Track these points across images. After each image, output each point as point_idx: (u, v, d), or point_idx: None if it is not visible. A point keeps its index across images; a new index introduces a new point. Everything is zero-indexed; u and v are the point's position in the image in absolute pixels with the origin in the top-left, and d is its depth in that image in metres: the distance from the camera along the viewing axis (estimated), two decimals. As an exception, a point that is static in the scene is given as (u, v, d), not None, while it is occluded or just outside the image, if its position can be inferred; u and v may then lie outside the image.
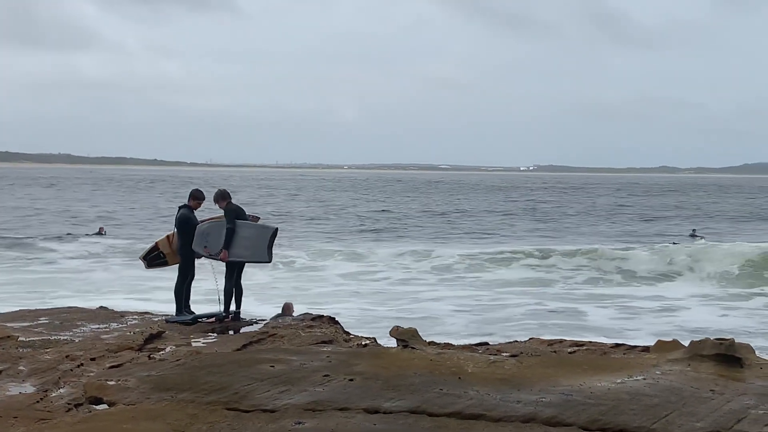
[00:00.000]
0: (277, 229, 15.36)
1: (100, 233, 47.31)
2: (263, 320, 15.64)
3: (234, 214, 14.87)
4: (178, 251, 15.28)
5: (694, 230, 57.72)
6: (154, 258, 16.13)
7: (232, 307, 15.21)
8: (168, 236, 16.03)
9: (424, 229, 62.95)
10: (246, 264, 15.58)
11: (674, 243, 52.87)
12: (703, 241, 51.52)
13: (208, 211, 16.30)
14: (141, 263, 16.71)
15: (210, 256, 14.97)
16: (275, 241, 15.18)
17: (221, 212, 15.23)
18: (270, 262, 15.67)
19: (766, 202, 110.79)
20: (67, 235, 47.38)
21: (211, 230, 14.87)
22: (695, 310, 28.27)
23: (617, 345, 13.80)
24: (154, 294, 26.67)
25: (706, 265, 37.58)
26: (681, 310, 28.42)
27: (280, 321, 15.44)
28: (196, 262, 15.36)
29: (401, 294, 31.40)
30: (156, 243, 16.34)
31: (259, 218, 16.49)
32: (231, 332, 14.37)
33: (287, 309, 19.09)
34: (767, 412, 9.35)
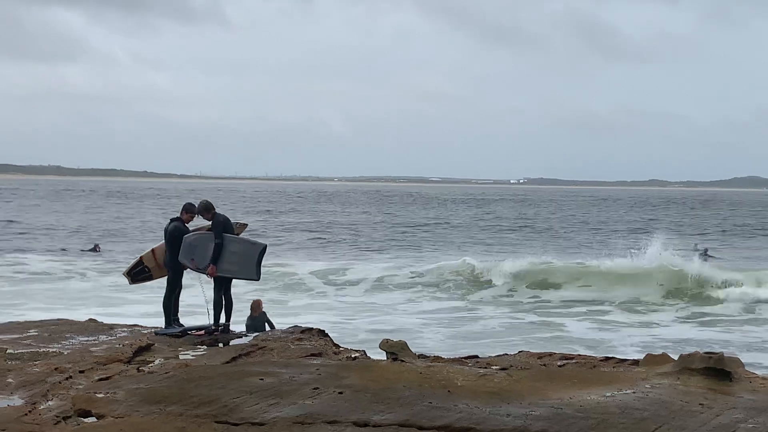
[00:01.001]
0: (266, 246, 15.21)
1: (95, 250, 46.82)
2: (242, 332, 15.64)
3: (222, 227, 14.74)
4: (166, 264, 15.20)
5: (706, 249, 54.74)
6: (138, 273, 15.95)
7: (222, 320, 15.16)
8: (153, 250, 15.95)
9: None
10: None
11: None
12: (713, 259, 50.45)
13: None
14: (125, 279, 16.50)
15: (197, 270, 14.88)
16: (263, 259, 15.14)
17: (206, 223, 15.17)
18: (258, 279, 15.53)
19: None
20: (62, 251, 47.08)
21: (199, 243, 14.72)
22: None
23: (607, 358, 13.82)
24: (131, 308, 26.72)
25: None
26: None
27: (269, 334, 15.43)
28: (185, 273, 15.29)
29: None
30: (140, 257, 16.18)
31: (247, 225, 16.47)
32: (220, 345, 14.34)
33: (257, 306, 18.93)
34: (756, 426, 9.37)
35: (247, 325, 18.21)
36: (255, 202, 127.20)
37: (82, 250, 47.10)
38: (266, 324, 18.16)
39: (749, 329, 27.83)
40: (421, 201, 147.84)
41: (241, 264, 14.79)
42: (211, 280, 14.98)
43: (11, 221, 72.78)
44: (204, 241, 14.76)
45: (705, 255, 51.71)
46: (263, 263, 15.25)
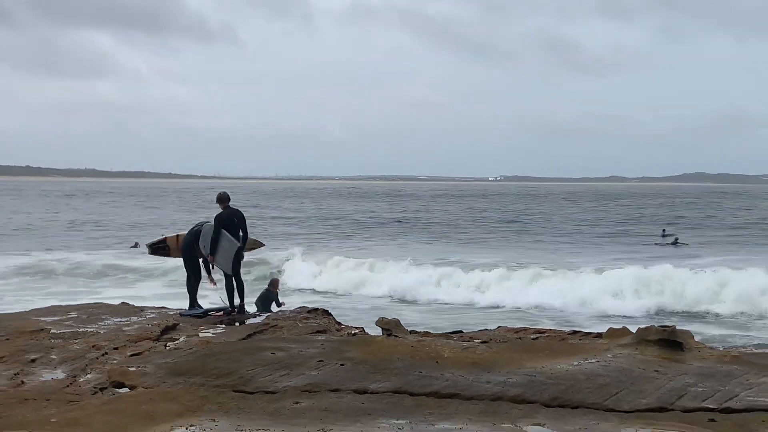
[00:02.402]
0: (241, 247, 14.91)
1: (135, 246, 46.02)
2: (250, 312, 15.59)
3: (220, 223, 14.60)
4: (181, 248, 15.17)
5: (676, 238, 53.13)
6: (159, 248, 16.13)
7: (237, 302, 15.09)
8: (177, 235, 15.95)
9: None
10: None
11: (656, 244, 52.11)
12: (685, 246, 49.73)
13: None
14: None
15: (203, 256, 14.89)
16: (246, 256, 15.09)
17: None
18: (231, 273, 15.15)
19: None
20: (107, 247, 46.60)
21: (207, 233, 14.73)
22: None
23: (574, 332, 13.84)
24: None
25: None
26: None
27: (279, 314, 15.40)
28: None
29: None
30: (165, 237, 16.35)
31: (264, 245, 16.33)
32: (237, 324, 14.31)
33: (274, 284, 18.98)
34: (705, 390, 9.39)
35: (259, 297, 18.24)
36: (263, 199, 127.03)
37: (128, 247, 46.56)
38: (275, 302, 18.22)
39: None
40: (401, 196, 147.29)
41: (224, 259, 14.70)
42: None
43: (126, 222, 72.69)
44: (210, 232, 14.73)
45: (675, 242, 51.21)
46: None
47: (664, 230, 60.58)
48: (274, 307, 17.82)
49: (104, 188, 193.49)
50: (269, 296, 18.39)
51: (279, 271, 33.70)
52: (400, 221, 76.42)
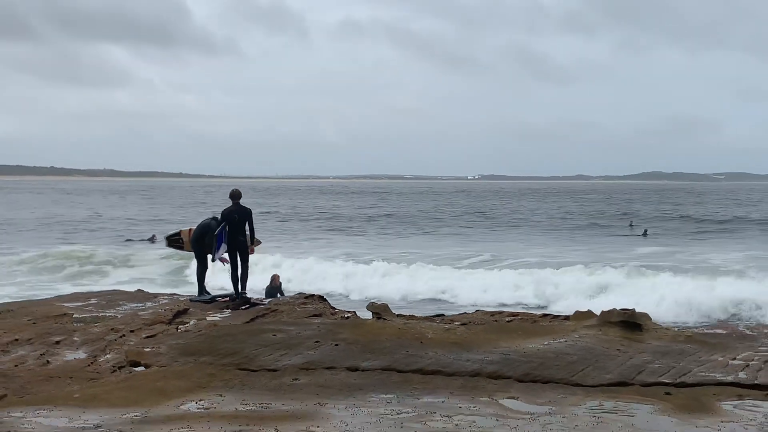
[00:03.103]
0: (168, 236, 15.78)
1: (152, 240, 45.34)
2: (261, 298, 15.53)
3: (222, 218, 14.46)
4: (191, 241, 15.12)
5: (645, 230, 51.95)
6: (174, 241, 16.14)
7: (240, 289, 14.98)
8: (190, 229, 15.89)
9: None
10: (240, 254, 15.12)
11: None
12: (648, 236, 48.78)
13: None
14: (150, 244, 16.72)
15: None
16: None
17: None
18: (213, 261, 14.82)
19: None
20: (127, 241, 46.04)
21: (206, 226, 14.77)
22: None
23: (544, 315, 13.85)
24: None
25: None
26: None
27: (280, 299, 15.38)
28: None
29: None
30: (180, 231, 16.32)
31: (261, 242, 16.15)
32: (241, 308, 14.28)
33: (275, 279, 19.15)
34: (661, 366, 9.45)
35: (265, 292, 18.42)
36: (270, 197, 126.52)
37: (142, 240, 45.98)
38: (279, 293, 18.43)
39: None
40: (385, 194, 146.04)
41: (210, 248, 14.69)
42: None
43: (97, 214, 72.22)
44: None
45: (645, 234, 50.47)
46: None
47: (631, 221, 60.17)
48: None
49: (121, 186, 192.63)
50: (273, 291, 18.62)
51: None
52: (370, 217, 72.01)
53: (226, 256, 14.63)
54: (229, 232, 14.41)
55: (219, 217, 14.69)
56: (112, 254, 36.01)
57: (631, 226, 57.07)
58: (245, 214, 14.57)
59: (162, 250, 28.52)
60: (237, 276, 14.75)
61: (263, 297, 16.96)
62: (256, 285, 17.99)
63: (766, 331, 12.03)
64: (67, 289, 22.95)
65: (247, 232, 14.65)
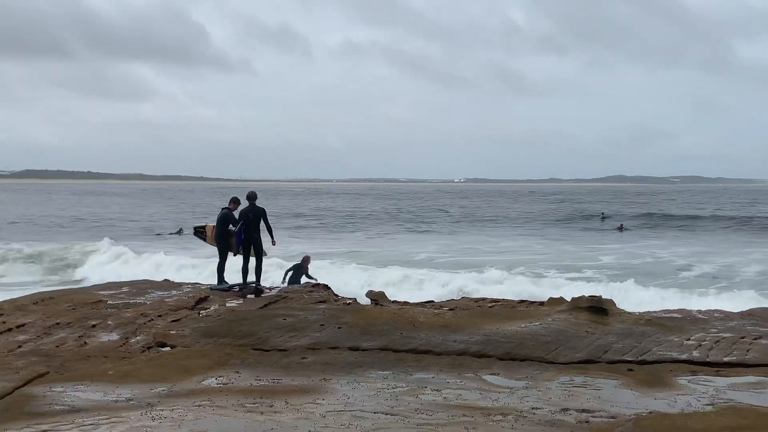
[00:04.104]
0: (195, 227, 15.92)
1: (179, 233, 44.89)
2: (276, 287, 15.47)
3: (239, 216, 14.39)
4: (214, 238, 15.09)
5: (621, 224, 49.94)
6: (200, 232, 16.28)
7: (252, 279, 14.91)
8: (213, 226, 15.86)
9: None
10: (255, 249, 15.04)
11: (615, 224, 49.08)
12: (627, 232, 47.27)
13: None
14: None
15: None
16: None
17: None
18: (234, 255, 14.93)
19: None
20: (157, 235, 45.53)
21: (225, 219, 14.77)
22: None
23: (522, 301, 13.83)
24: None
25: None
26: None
27: (289, 287, 15.33)
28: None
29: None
30: (206, 225, 16.34)
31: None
32: (256, 296, 14.25)
33: (306, 260, 18.62)
34: (625, 346, 9.45)
35: (291, 269, 17.99)
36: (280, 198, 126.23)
37: (170, 233, 45.75)
38: (306, 275, 17.89)
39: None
40: (374, 195, 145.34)
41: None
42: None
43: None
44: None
45: (621, 228, 49.20)
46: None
47: (602, 214, 59.38)
48: (303, 279, 17.59)
49: (148, 188, 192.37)
50: (300, 269, 17.90)
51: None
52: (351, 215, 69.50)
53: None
54: (245, 229, 14.40)
55: (230, 205, 14.72)
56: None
57: (602, 218, 56.40)
58: (259, 213, 14.52)
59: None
60: (247, 268, 14.73)
61: (284, 277, 17.05)
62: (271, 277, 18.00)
63: (716, 315, 12.03)
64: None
65: (263, 230, 14.64)
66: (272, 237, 14.64)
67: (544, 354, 9.09)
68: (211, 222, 16.12)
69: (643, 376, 8.16)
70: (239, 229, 14.34)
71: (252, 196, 14.62)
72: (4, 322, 11.03)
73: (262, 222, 14.41)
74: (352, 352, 9.31)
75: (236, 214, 14.66)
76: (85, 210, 77.26)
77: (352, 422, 6.49)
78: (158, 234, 46.24)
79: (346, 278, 24.15)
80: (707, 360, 8.81)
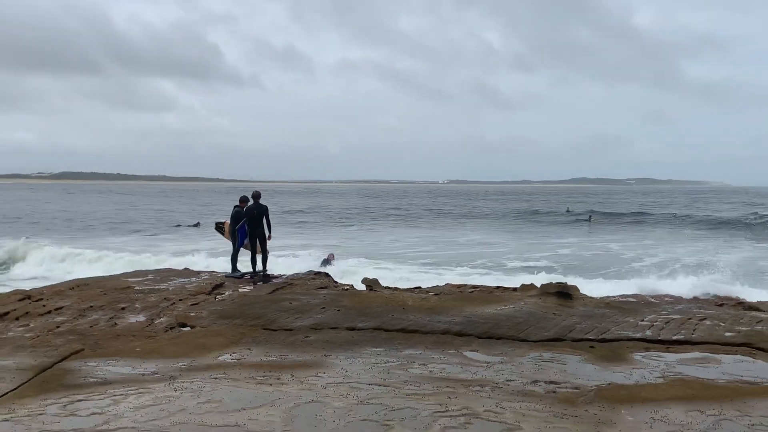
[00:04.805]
0: (216, 222, 16.03)
1: (197, 226, 43.79)
2: (283, 275, 15.44)
3: (245, 213, 14.36)
4: (230, 232, 15.08)
5: (590, 216, 48.51)
6: (220, 228, 16.48)
7: (259, 267, 14.87)
8: (228, 222, 15.84)
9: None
10: (260, 241, 14.97)
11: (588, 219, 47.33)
12: (592, 223, 45.45)
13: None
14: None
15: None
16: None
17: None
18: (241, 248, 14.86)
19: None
20: (176, 226, 45.29)
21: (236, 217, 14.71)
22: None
23: (498, 287, 13.84)
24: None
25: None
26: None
27: (293, 275, 15.29)
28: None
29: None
30: (225, 222, 16.35)
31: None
32: (265, 282, 14.21)
33: (330, 257, 19.20)
34: (587, 326, 9.47)
35: (323, 261, 18.93)
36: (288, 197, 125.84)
37: (189, 225, 45.48)
38: (328, 264, 19.01)
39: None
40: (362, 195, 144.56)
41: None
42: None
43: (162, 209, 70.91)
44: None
45: (590, 218, 48.11)
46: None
47: (568, 209, 58.93)
48: (328, 268, 18.50)
49: (171, 188, 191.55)
50: (327, 262, 19.12)
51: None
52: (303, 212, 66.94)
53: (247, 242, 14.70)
54: (250, 224, 14.43)
55: (240, 204, 14.70)
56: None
57: (567, 211, 55.93)
58: (263, 210, 14.56)
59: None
60: (255, 258, 14.72)
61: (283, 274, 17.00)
62: (274, 268, 17.93)
63: (666, 299, 12.09)
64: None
65: (265, 224, 14.63)
66: (270, 232, 14.65)
67: (517, 333, 9.11)
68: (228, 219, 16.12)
69: (603, 353, 8.18)
70: (242, 225, 14.40)
71: (257, 195, 14.63)
72: (44, 306, 10.99)
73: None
74: (350, 331, 9.30)
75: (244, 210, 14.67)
76: (112, 207, 76.89)
77: (350, 393, 6.49)
78: (177, 225, 45.96)
79: (343, 269, 23.88)
80: (659, 338, 8.84)
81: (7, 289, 13.56)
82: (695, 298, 12.19)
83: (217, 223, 16.89)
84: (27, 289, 12.81)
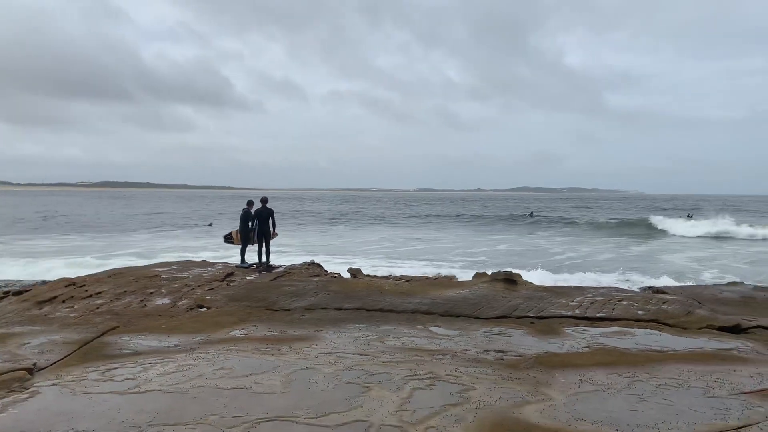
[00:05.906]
0: (228, 233, 15.06)
1: (210, 225, 43.60)
2: (282, 265, 15.34)
3: (255, 214, 14.17)
4: (239, 231, 14.90)
5: (531, 212, 47.57)
6: (229, 239, 15.97)
7: (263, 259, 14.73)
8: (237, 231, 15.61)
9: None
10: (265, 238, 14.81)
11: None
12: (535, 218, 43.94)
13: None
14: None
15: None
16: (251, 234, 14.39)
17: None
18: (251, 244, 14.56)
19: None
20: (194, 225, 44.88)
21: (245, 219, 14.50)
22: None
23: (454, 277, 13.89)
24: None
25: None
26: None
27: (291, 265, 15.20)
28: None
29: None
30: (231, 232, 16.10)
31: (277, 234, 15.57)
32: (268, 271, 14.10)
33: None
34: (528, 306, 9.52)
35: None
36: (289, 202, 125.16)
37: (203, 225, 44.83)
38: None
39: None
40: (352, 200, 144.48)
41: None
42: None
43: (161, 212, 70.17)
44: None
45: (531, 214, 47.54)
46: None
47: (531, 212, 58.67)
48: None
49: (191, 195, 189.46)
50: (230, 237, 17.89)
51: None
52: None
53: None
54: (258, 224, 14.36)
55: (247, 206, 14.59)
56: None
57: (531, 215, 55.05)
58: (269, 213, 14.51)
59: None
60: (261, 252, 14.62)
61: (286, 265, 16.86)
62: (277, 260, 17.75)
63: (591, 285, 12.20)
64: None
65: (271, 224, 14.53)
66: (274, 229, 14.61)
67: (472, 312, 9.16)
68: (234, 227, 15.95)
69: (541, 327, 8.26)
70: (254, 225, 14.33)
71: (264, 200, 14.61)
72: (86, 290, 10.82)
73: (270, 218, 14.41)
74: (337, 311, 9.29)
75: (252, 211, 14.58)
76: (139, 209, 75.71)
77: (337, 360, 6.49)
78: (195, 224, 45.51)
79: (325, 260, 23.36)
80: (585, 315, 8.94)
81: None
82: (614, 286, 12.34)
83: (225, 236, 16.39)
84: (72, 277, 12.61)
